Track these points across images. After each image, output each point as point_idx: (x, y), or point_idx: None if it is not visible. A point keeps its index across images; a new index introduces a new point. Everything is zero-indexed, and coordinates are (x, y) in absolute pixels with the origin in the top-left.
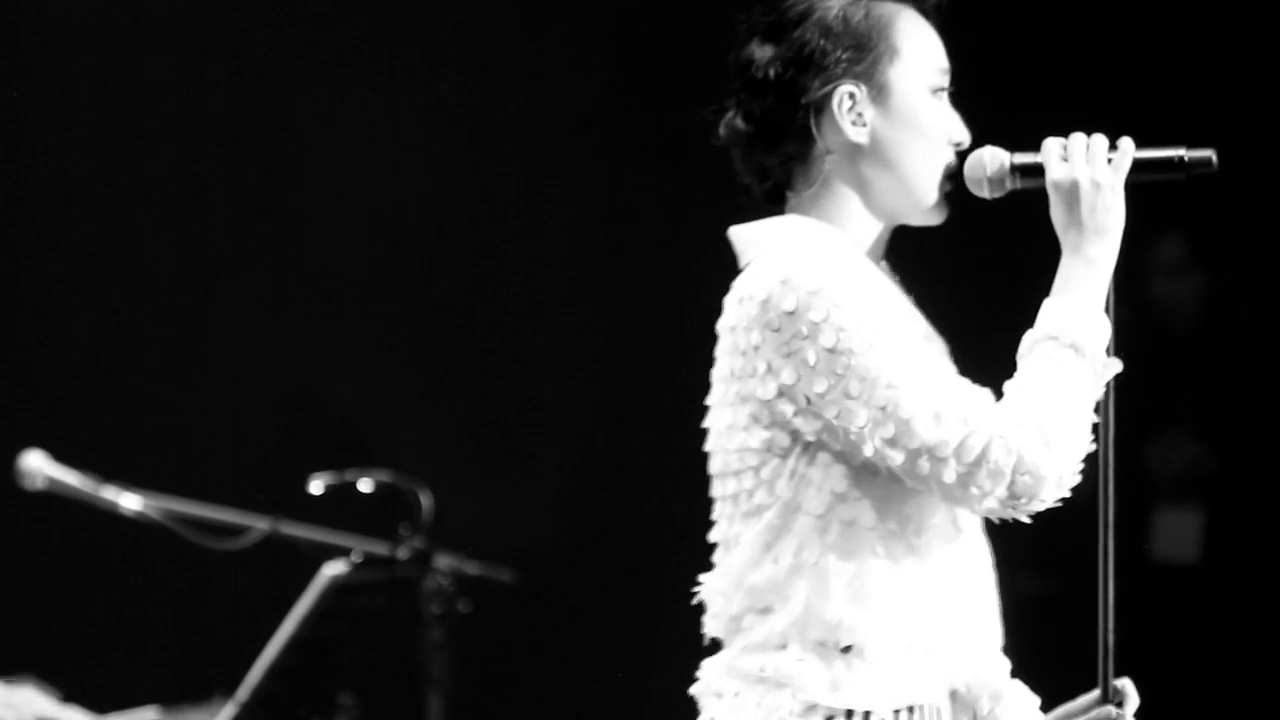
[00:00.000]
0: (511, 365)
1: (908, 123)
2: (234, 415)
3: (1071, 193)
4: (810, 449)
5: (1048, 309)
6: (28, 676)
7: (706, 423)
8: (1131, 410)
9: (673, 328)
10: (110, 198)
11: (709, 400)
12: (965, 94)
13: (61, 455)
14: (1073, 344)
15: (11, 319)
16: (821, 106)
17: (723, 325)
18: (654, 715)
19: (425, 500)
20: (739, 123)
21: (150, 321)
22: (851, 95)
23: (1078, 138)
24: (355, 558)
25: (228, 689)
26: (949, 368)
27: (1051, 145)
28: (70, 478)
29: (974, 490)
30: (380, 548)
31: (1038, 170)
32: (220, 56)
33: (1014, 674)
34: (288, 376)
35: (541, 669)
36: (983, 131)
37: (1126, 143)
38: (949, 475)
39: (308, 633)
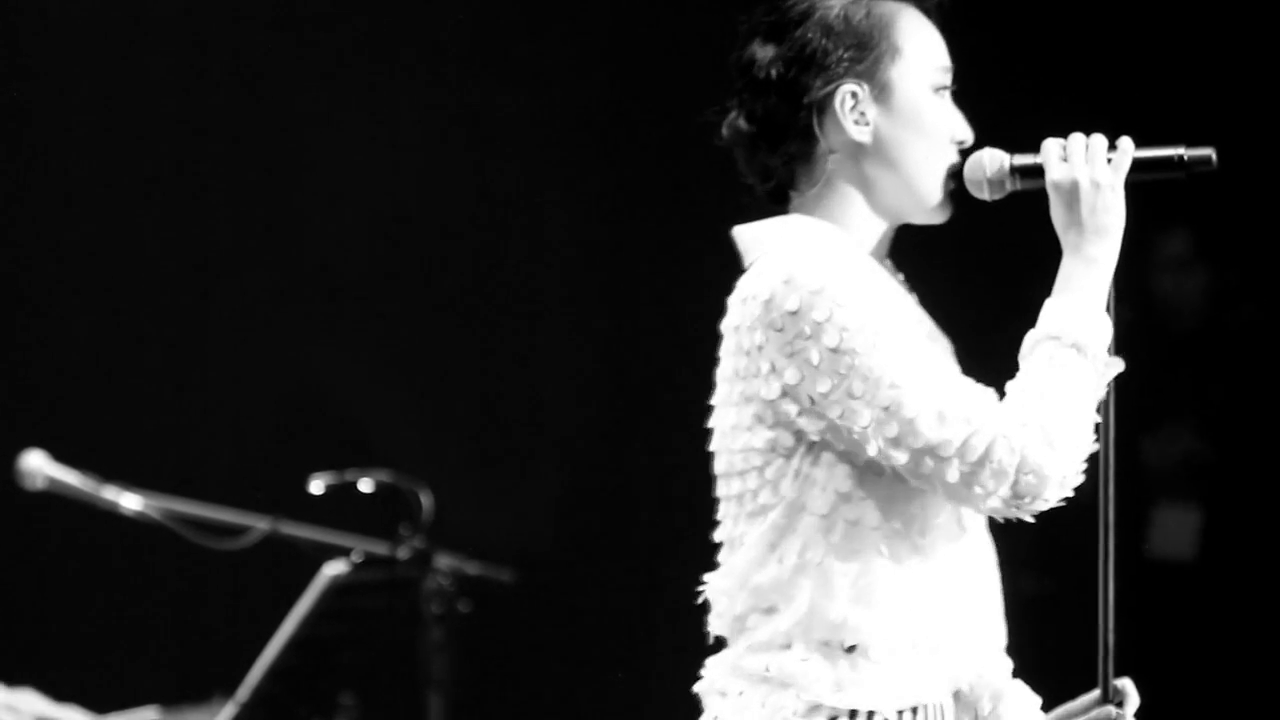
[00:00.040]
0: (511, 365)
1: (910, 121)
2: (234, 415)
3: (1071, 193)
4: (814, 449)
5: (1049, 309)
6: (28, 678)
7: (711, 423)
8: (1131, 408)
9: (673, 328)
10: (110, 197)
11: (713, 400)
12: (966, 93)
13: (61, 455)
14: (1075, 344)
15: (11, 319)
16: (824, 106)
17: (726, 325)
18: (654, 715)
19: (425, 500)
20: (741, 123)
21: (150, 321)
22: (854, 94)
23: (1077, 138)
24: (355, 558)
25: (228, 689)
26: (952, 367)
27: (1051, 146)
28: (70, 478)
29: (978, 490)
30: (380, 548)
31: (1037, 171)
32: (220, 56)
33: (1015, 674)
34: (288, 376)
35: (541, 669)
36: (983, 131)
37: (1126, 142)
38: (952, 475)
39: (308, 633)
